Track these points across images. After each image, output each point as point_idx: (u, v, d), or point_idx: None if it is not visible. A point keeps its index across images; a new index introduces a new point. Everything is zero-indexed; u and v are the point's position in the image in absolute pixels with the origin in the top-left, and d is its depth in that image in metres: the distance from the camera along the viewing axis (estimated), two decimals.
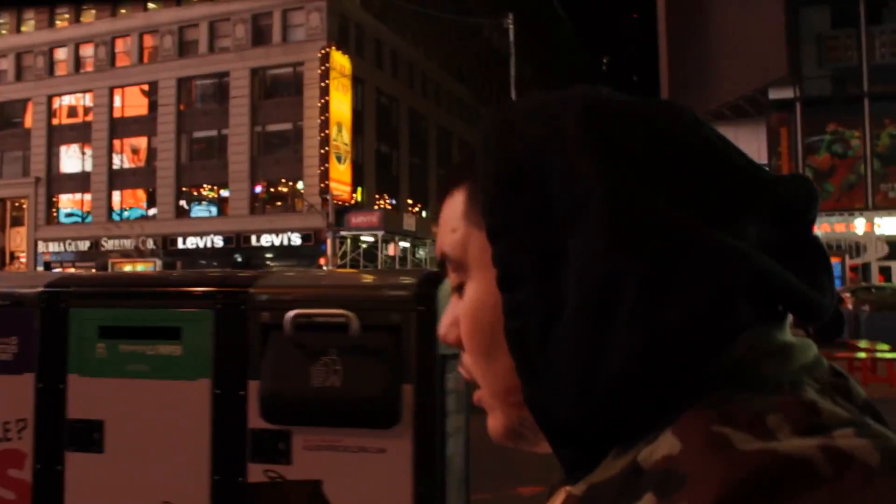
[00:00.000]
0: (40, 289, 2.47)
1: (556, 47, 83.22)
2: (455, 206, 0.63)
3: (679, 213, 0.52)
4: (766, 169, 0.58)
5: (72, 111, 46.53)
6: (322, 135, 37.90)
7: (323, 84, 37.95)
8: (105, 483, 2.34)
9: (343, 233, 36.49)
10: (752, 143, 35.33)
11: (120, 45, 45.11)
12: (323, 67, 38.09)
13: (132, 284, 2.57)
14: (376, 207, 40.91)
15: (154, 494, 2.29)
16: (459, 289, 0.63)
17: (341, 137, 38.69)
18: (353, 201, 38.92)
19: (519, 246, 0.55)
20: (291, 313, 2.13)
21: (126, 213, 44.44)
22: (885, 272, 30.27)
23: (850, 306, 16.25)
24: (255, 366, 2.23)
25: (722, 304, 0.50)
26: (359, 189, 40.34)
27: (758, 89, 32.45)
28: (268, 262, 38.96)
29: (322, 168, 37.62)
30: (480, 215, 0.59)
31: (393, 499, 2.19)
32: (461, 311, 0.62)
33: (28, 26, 47.45)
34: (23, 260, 46.94)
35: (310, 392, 2.13)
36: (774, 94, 32.27)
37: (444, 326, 0.66)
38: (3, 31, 47.95)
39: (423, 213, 46.86)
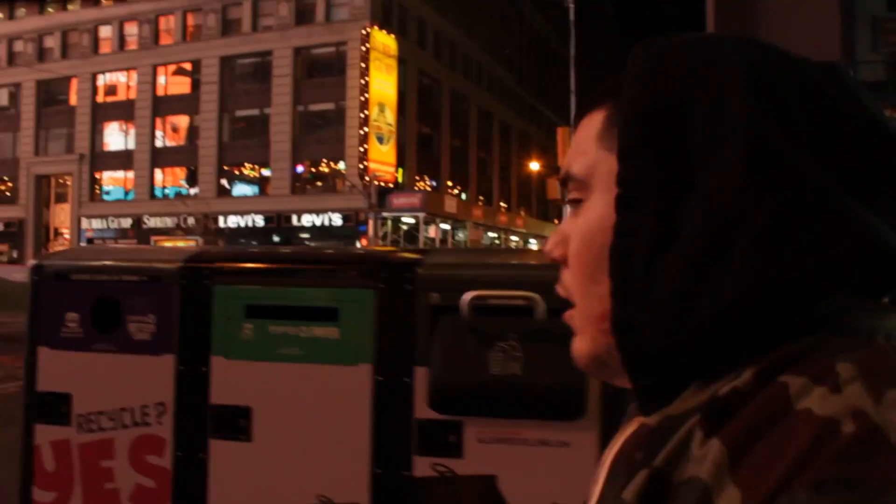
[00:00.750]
0: (180, 264, 2.32)
1: (597, 30, 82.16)
2: (590, 127, 0.64)
3: (818, 172, 0.52)
4: None
5: (115, 89, 46.84)
6: (362, 115, 37.76)
7: (363, 64, 37.77)
8: (253, 473, 2.18)
9: (384, 214, 36.38)
10: None
11: (163, 23, 45.24)
12: (364, 47, 37.89)
13: (283, 261, 2.40)
14: (417, 189, 40.76)
15: (308, 487, 2.13)
16: (575, 204, 0.64)
17: (383, 118, 38.51)
18: (394, 182, 38.74)
19: (647, 168, 0.56)
20: (469, 295, 1.95)
21: (166, 191, 44.72)
22: None
23: None
24: (423, 351, 2.05)
25: (834, 266, 0.51)
26: (399, 170, 40.16)
27: None
28: (306, 243, 39.01)
29: (362, 149, 37.51)
30: (615, 138, 0.59)
31: (577, 496, 1.98)
32: (575, 229, 0.63)
33: (74, 4, 47.77)
34: (67, 236, 47.50)
35: (486, 380, 1.95)
36: None
37: (551, 242, 0.67)
38: (50, 10, 48.28)
39: (463, 196, 46.63)
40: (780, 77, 0.56)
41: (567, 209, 0.64)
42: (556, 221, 76.01)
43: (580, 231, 0.63)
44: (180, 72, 44.50)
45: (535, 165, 50.88)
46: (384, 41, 38.64)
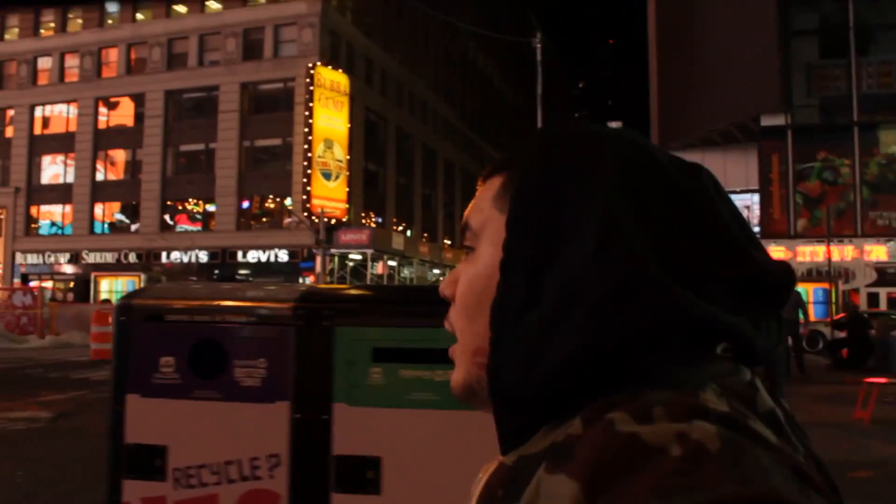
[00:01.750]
0: (293, 303, 2.16)
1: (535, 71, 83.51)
2: (490, 189, 0.74)
3: (654, 258, 0.62)
4: (761, 250, 0.67)
5: (55, 121, 45.72)
6: (306, 151, 37.54)
7: (307, 101, 37.64)
8: None
9: (333, 250, 36.03)
10: (739, 168, 35.63)
11: (106, 55, 44.45)
12: (309, 84, 37.77)
13: (412, 299, 2.25)
14: (364, 225, 40.53)
15: None
16: (471, 249, 0.74)
17: (331, 154, 38.28)
18: (345, 218, 38.45)
19: (526, 240, 0.66)
20: None
21: (106, 226, 43.62)
22: (873, 298, 30.45)
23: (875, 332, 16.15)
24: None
25: (652, 333, 0.60)
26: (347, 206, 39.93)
27: (749, 116, 32.67)
28: (248, 279, 38.33)
29: (305, 185, 37.21)
30: (506, 203, 0.70)
31: None
32: (465, 275, 0.73)
33: (12, 34, 46.64)
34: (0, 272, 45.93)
35: None
36: (766, 122, 32.49)
37: (445, 282, 0.77)
38: None
39: (409, 232, 46.52)
40: (644, 176, 0.66)
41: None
42: None
43: (467, 276, 0.73)
44: (123, 105, 43.66)
45: None
46: (334, 78, 38.54)
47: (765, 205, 32.81)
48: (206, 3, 42.64)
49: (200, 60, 42.04)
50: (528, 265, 0.65)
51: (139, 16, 44.07)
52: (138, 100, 43.06)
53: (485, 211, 0.73)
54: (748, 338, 0.63)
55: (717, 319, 0.61)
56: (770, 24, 31.11)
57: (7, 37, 46.71)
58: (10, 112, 45.98)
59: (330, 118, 38.29)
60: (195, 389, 2.18)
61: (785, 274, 0.67)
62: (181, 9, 43.20)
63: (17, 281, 43.74)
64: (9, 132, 46.09)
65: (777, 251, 31.11)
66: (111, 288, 39.95)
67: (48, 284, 40.95)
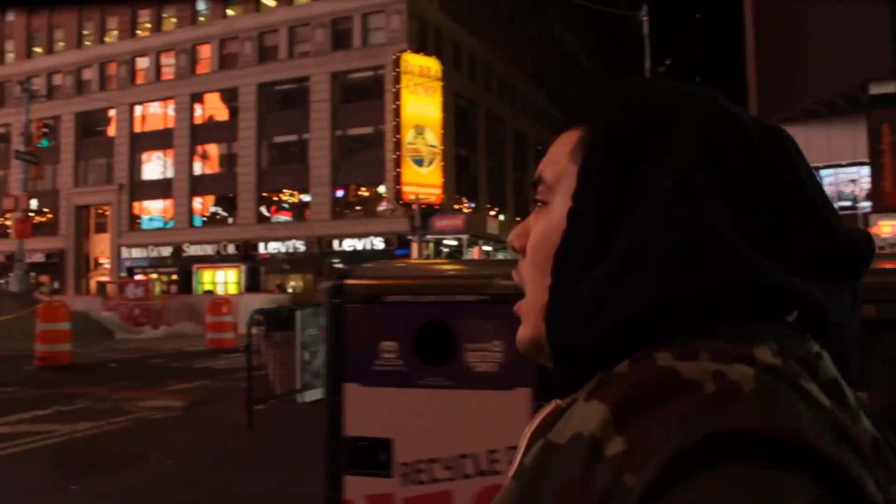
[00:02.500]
0: None
1: (626, 47, 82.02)
2: (566, 142, 0.73)
3: (727, 220, 0.62)
4: (839, 220, 0.66)
5: (153, 119, 47.06)
6: (395, 138, 37.60)
7: (394, 88, 37.67)
8: None
9: (428, 236, 36.04)
10: (845, 140, 34.06)
11: (200, 52, 45.44)
12: (395, 71, 37.78)
13: None
14: (456, 209, 40.43)
15: None
16: (544, 204, 0.73)
17: (422, 140, 38.25)
18: (438, 204, 38.39)
19: (597, 192, 0.66)
20: None
21: (203, 220, 44.69)
22: None
23: None
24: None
25: (717, 294, 0.60)
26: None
27: (857, 85, 31.18)
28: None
29: (395, 172, 37.29)
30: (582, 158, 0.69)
31: None
32: (537, 227, 0.72)
33: (111, 36, 48.15)
34: (107, 266, 47.60)
35: None
36: (876, 89, 30.95)
37: (514, 233, 0.76)
38: (88, 42, 48.73)
39: (501, 217, 46.21)
40: (724, 135, 0.65)
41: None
42: None
43: (540, 229, 0.72)
44: (217, 100, 44.59)
45: None
46: (423, 63, 38.45)
47: (876, 177, 31.31)
48: None
49: (291, 52, 42.52)
50: (597, 216, 0.65)
51: (230, 11, 44.83)
52: (232, 94, 43.86)
53: (560, 164, 0.72)
54: (821, 307, 0.63)
55: (789, 285, 0.61)
56: None
57: (107, 39, 48.22)
58: (112, 112, 47.50)
59: (420, 104, 38.25)
60: (422, 377, 1.99)
61: (866, 244, 0.66)
62: (270, 2, 43.77)
63: (123, 275, 45.28)
64: (111, 131, 47.66)
65: (889, 225, 29.71)
66: (213, 279, 40.96)
67: (153, 276, 42.18)
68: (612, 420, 0.54)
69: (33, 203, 25.20)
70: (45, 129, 24.71)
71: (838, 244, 0.64)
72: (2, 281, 40.63)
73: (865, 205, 33.65)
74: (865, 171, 32.90)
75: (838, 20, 31.35)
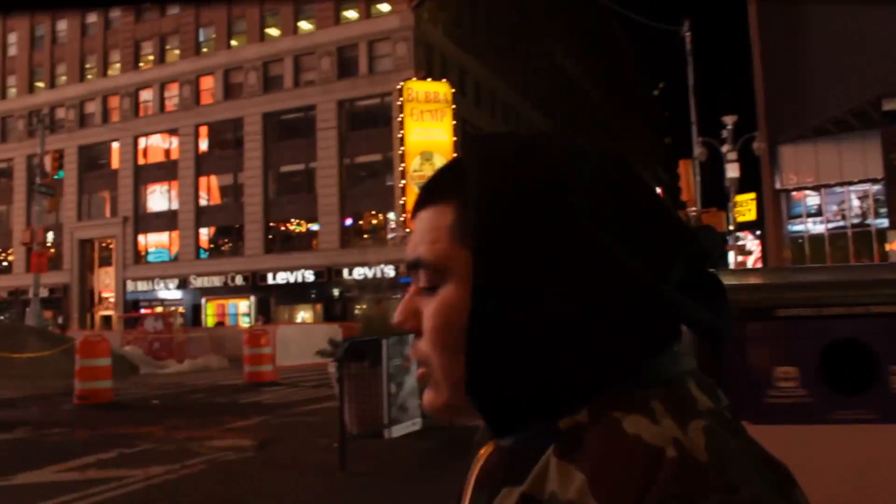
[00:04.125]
0: None
1: (619, 70, 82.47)
2: (441, 218, 0.73)
3: (637, 267, 0.66)
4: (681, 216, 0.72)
5: (157, 151, 46.81)
6: (401, 166, 37.41)
7: (399, 117, 37.59)
8: None
9: None
10: (856, 157, 33.94)
11: (204, 83, 45.30)
12: (399, 100, 37.68)
13: None
14: None
15: None
16: (431, 289, 0.73)
17: (430, 166, 37.95)
18: None
19: (503, 270, 0.67)
20: None
21: (209, 251, 44.31)
22: None
23: None
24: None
25: (644, 336, 0.66)
26: None
27: (869, 102, 31.09)
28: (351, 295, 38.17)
29: (403, 200, 37.05)
30: (470, 237, 0.69)
31: None
32: (432, 309, 0.72)
33: (114, 69, 48.02)
34: (111, 300, 47.08)
35: None
36: (889, 105, 30.84)
37: (403, 314, 0.76)
38: (90, 76, 48.57)
39: None
40: (609, 184, 0.69)
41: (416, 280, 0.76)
42: None
43: (437, 311, 0.72)
44: (222, 130, 44.36)
45: None
46: (430, 89, 38.33)
47: (890, 194, 31.16)
48: (299, 24, 43.06)
49: (296, 81, 42.43)
50: (508, 292, 0.66)
51: (234, 42, 44.78)
52: (237, 124, 43.67)
53: (441, 243, 0.72)
54: (717, 328, 0.68)
55: (695, 314, 0.67)
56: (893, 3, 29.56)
57: (110, 72, 48.07)
58: (115, 144, 47.25)
59: (427, 130, 38.05)
60: (833, 410, 1.64)
61: (716, 237, 0.72)
62: (274, 32, 43.73)
63: (126, 309, 44.73)
64: (115, 164, 47.37)
65: None
66: (225, 311, 40.52)
67: (159, 310, 41.70)
68: (590, 488, 0.59)
69: (49, 236, 24.77)
70: (60, 160, 24.28)
71: (697, 248, 0.70)
72: (3, 317, 40.12)
73: (876, 221, 33.51)
74: (876, 188, 32.81)
75: (847, 36, 31.36)
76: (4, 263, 50.23)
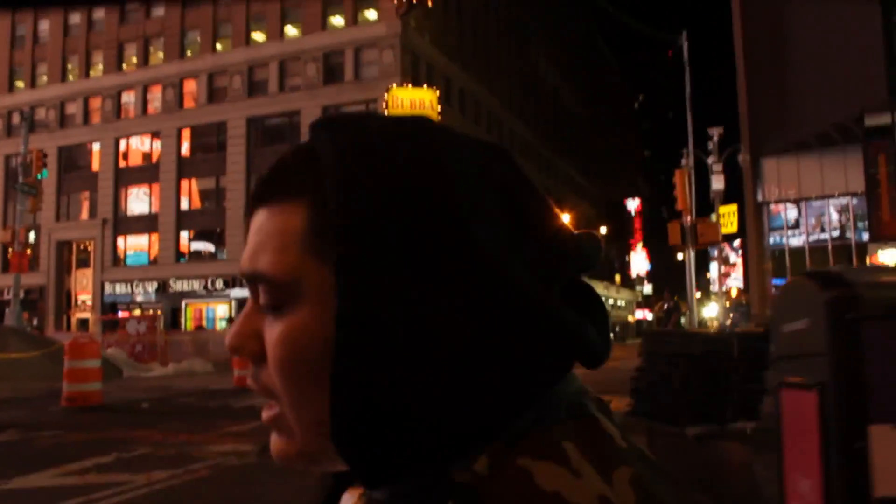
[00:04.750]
0: None
1: (601, 81, 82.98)
2: (287, 221, 0.58)
3: (531, 283, 0.55)
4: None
5: (138, 153, 46.40)
6: None
7: None
8: None
9: None
10: (837, 171, 34.28)
11: (188, 86, 44.99)
12: (384, 107, 37.65)
13: None
14: None
15: None
16: (275, 308, 0.58)
17: None
18: None
19: (374, 291, 0.53)
20: None
21: (189, 255, 43.95)
22: None
23: None
24: None
25: (536, 364, 0.55)
26: None
27: (851, 117, 31.40)
28: None
29: None
30: (328, 247, 0.55)
31: None
32: (279, 336, 0.57)
33: (96, 70, 47.56)
34: (88, 302, 46.50)
35: None
36: (871, 121, 31.17)
37: (239, 336, 0.61)
38: (72, 77, 48.07)
39: None
40: (478, 182, 0.57)
41: (251, 298, 0.61)
42: (616, 279, 75.24)
43: (290, 340, 0.57)
44: (205, 134, 44.06)
45: (564, 218, 50.38)
46: (415, 96, 38.35)
47: (873, 207, 31.47)
48: (285, 28, 42.92)
49: (281, 86, 42.24)
50: (380, 317, 0.53)
51: (219, 46, 44.51)
52: (220, 128, 43.39)
53: (290, 255, 0.57)
54: (601, 349, 0.59)
55: (585, 336, 0.57)
56: (875, 19, 29.94)
57: (92, 73, 47.60)
58: (96, 146, 46.77)
59: None
60: None
61: (597, 245, 0.62)
62: (260, 36, 43.54)
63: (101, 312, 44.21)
64: (95, 166, 46.87)
65: (890, 255, 29.83)
66: (203, 315, 40.14)
67: (137, 313, 41.25)
68: None
69: (31, 236, 24.41)
70: (44, 160, 23.96)
71: (583, 257, 0.61)
72: None
73: (856, 236, 33.84)
74: (856, 201, 33.14)
75: (830, 51, 31.67)
76: None
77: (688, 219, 20.53)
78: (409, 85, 38.83)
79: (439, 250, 0.53)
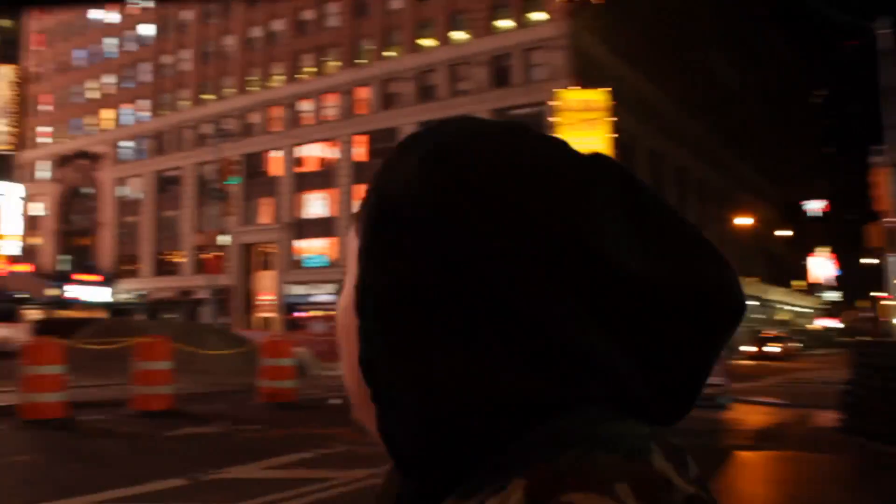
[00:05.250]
0: None
1: (778, 77, 78.95)
2: (352, 244, 0.58)
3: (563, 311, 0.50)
4: None
5: (315, 159, 48.34)
6: None
7: (553, 125, 37.15)
8: None
9: None
10: None
11: (360, 93, 46.44)
12: (554, 109, 37.31)
13: None
14: None
15: None
16: None
17: None
18: None
19: (385, 276, 0.53)
20: None
21: None
22: None
23: None
24: None
25: (574, 387, 0.50)
26: None
27: None
28: None
29: None
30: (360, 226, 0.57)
31: None
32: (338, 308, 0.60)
33: (275, 81, 49.96)
34: (269, 303, 48.82)
35: None
36: None
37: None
38: (254, 87, 50.74)
39: None
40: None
41: None
42: (791, 283, 71.91)
43: (338, 311, 0.59)
44: (377, 140, 45.34)
45: (744, 221, 48.44)
46: (584, 97, 37.82)
47: None
48: (453, 34, 43.50)
49: (450, 91, 42.82)
50: (394, 306, 0.52)
51: (389, 53, 45.70)
52: (391, 134, 44.48)
53: (349, 236, 0.60)
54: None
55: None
56: None
57: (271, 84, 50.11)
58: (276, 153, 49.14)
59: (581, 140, 37.40)
60: None
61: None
62: (428, 43, 44.34)
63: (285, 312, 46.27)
64: (275, 172, 49.27)
65: None
66: None
67: (317, 313, 42.88)
68: None
69: (227, 239, 25.83)
70: (236, 168, 25.31)
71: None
72: (175, 315, 42.32)
73: None
74: None
75: None
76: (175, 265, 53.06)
77: (889, 220, 18.99)
78: (579, 86, 38.34)
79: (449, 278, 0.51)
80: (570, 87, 37.91)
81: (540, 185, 0.52)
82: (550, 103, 38.09)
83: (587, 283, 0.50)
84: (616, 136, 39.46)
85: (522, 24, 41.58)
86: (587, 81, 39.14)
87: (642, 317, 0.51)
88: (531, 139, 0.56)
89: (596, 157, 0.56)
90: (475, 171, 0.52)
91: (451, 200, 0.52)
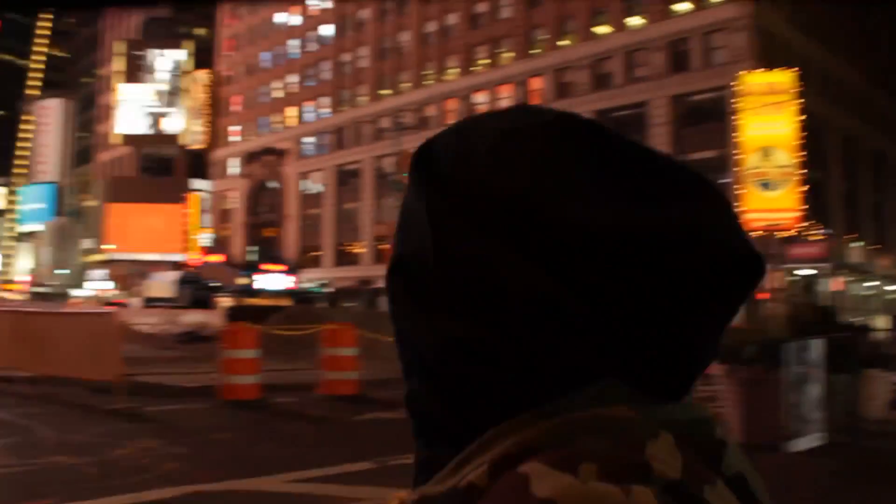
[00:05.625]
0: None
1: None
2: None
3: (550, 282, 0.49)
4: None
5: None
6: (736, 162, 35.29)
7: (734, 112, 35.47)
8: None
9: (784, 265, 33.28)
10: None
11: (533, 83, 46.29)
12: (736, 93, 35.60)
13: None
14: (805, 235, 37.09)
15: None
16: None
17: (769, 162, 35.51)
18: (794, 231, 35.31)
19: (408, 242, 0.56)
20: None
21: None
22: None
23: None
24: None
25: (568, 366, 0.49)
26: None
27: None
28: None
29: (740, 196, 34.94)
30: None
31: None
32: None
33: (450, 75, 50.69)
34: None
35: None
36: None
37: None
38: (430, 81, 51.72)
39: (861, 244, 41.76)
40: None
41: None
42: None
43: None
44: None
45: None
46: (769, 80, 35.83)
47: None
48: (628, 20, 42.48)
49: (627, 77, 41.87)
50: (425, 299, 0.54)
51: (563, 42, 45.24)
52: None
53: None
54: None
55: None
56: None
57: (446, 78, 50.87)
58: None
59: (766, 124, 35.59)
60: None
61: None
62: (603, 30, 43.53)
63: None
64: None
65: None
66: None
67: None
68: None
69: None
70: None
71: None
72: (355, 304, 43.77)
73: None
74: None
75: None
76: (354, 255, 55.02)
77: None
78: (764, 68, 36.43)
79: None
80: (753, 70, 36.06)
81: (496, 161, 0.52)
82: (732, 87, 36.41)
83: (560, 247, 0.49)
84: (804, 119, 37.25)
85: (701, 5, 40.00)
86: (772, 63, 37.13)
87: (623, 271, 0.48)
88: (487, 119, 0.57)
89: (559, 116, 0.55)
90: (442, 165, 0.54)
91: (431, 198, 0.53)
